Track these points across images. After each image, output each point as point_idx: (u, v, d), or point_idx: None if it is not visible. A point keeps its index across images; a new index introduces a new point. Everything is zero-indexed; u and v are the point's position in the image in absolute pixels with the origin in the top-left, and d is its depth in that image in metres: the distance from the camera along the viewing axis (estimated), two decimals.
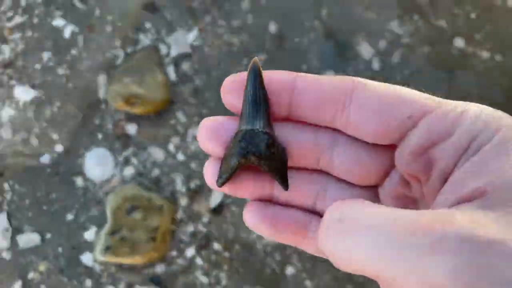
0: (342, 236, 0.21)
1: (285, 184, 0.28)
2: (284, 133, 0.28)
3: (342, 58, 0.93)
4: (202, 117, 0.89)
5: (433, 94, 0.25)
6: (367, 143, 0.27)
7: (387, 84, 0.26)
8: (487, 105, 0.24)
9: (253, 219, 0.29)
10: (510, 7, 0.94)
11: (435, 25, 0.94)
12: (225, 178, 0.28)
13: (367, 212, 0.21)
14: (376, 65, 0.92)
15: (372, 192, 0.28)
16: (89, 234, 0.85)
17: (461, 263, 0.17)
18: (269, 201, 0.30)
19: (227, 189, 0.29)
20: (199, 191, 0.85)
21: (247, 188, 0.29)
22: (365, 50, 0.93)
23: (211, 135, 0.28)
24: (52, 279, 0.83)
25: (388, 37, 0.94)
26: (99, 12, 0.95)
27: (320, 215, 0.29)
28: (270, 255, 0.83)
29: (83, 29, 0.94)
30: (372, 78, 0.27)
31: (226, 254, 0.83)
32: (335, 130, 0.28)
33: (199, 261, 0.84)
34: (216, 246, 0.84)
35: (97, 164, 0.88)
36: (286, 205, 0.29)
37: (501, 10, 0.94)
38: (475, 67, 0.92)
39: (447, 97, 0.25)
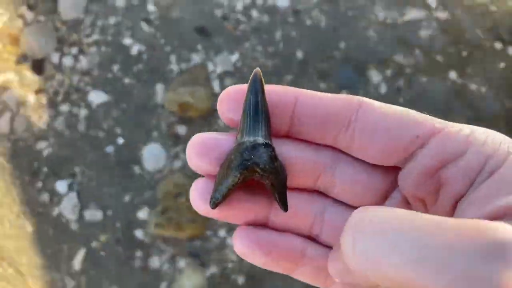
0: (373, 237, 0.17)
1: (284, 205, 0.24)
2: (283, 151, 0.24)
3: (355, 82, 0.94)
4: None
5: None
6: (368, 163, 0.24)
7: (392, 105, 0.24)
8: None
9: (244, 246, 0.24)
10: (496, 48, 0.99)
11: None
12: (221, 196, 0.23)
13: (403, 214, 0.18)
14: (383, 89, 0.94)
15: None
16: (142, 213, 0.88)
17: None
18: (262, 225, 0.25)
19: (217, 212, 0.24)
20: None
21: (240, 211, 0.24)
22: (375, 76, 0.95)
23: (201, 150, 0.24)
24: (110, 248, 0.86)
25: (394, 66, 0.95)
26: (160, 34, 0.98)
27: (316, 240, 0.26)
28: None
29: (147, 48, 0.97)
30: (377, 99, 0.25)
31: None
32: (335, 149, 0.25)
33: (229, 240, 0.88)
34: None
35: (152, 156, 0.91)
36: (281, 229, 0.25)
37: (489, 50, 0.98)
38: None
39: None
